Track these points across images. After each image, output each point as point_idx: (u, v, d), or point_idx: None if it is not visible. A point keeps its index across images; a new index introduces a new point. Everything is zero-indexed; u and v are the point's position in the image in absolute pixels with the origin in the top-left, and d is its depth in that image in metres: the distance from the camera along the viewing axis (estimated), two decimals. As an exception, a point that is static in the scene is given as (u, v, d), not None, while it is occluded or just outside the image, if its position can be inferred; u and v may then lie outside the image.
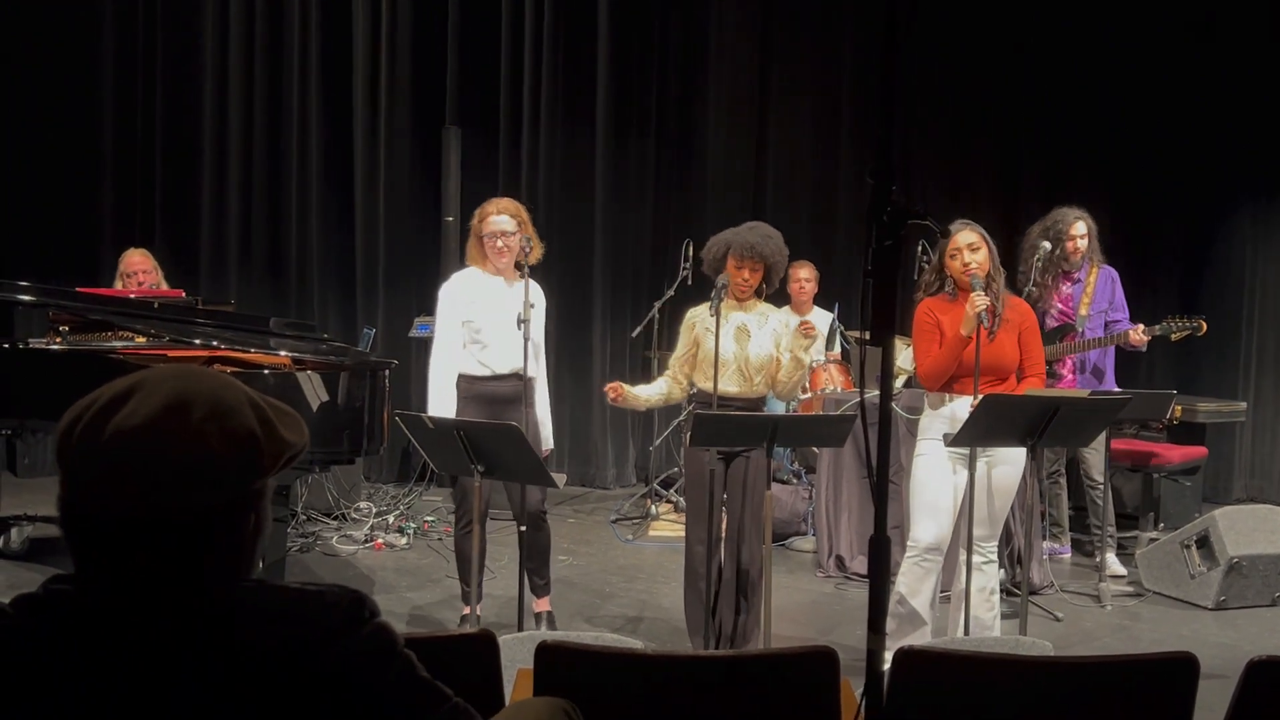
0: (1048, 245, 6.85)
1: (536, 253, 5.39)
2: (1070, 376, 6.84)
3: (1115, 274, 6.98)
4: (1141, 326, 6.62)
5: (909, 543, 4.96)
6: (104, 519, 1.49)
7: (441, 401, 5.36)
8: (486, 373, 5.37)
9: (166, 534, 1.49)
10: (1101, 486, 6.87)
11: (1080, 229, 6.88)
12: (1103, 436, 6.74)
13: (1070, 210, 6.97)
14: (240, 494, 1.55)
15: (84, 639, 1.48)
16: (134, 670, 1.47)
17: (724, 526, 5.11)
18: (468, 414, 5.25)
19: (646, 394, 5.33)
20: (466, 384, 5.41)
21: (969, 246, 4.88)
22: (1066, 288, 6.94)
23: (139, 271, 7.15)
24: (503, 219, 5.35)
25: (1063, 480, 7.26)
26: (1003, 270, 5.05)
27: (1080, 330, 6.80)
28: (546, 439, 5.62)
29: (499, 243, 5.32)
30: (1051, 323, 6.89)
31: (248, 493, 1.56)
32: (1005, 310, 4.95)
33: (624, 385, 5.26)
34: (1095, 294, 6.88)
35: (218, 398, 1.53)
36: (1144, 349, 6.82)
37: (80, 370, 5.44)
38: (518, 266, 5.30)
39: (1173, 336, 6.62)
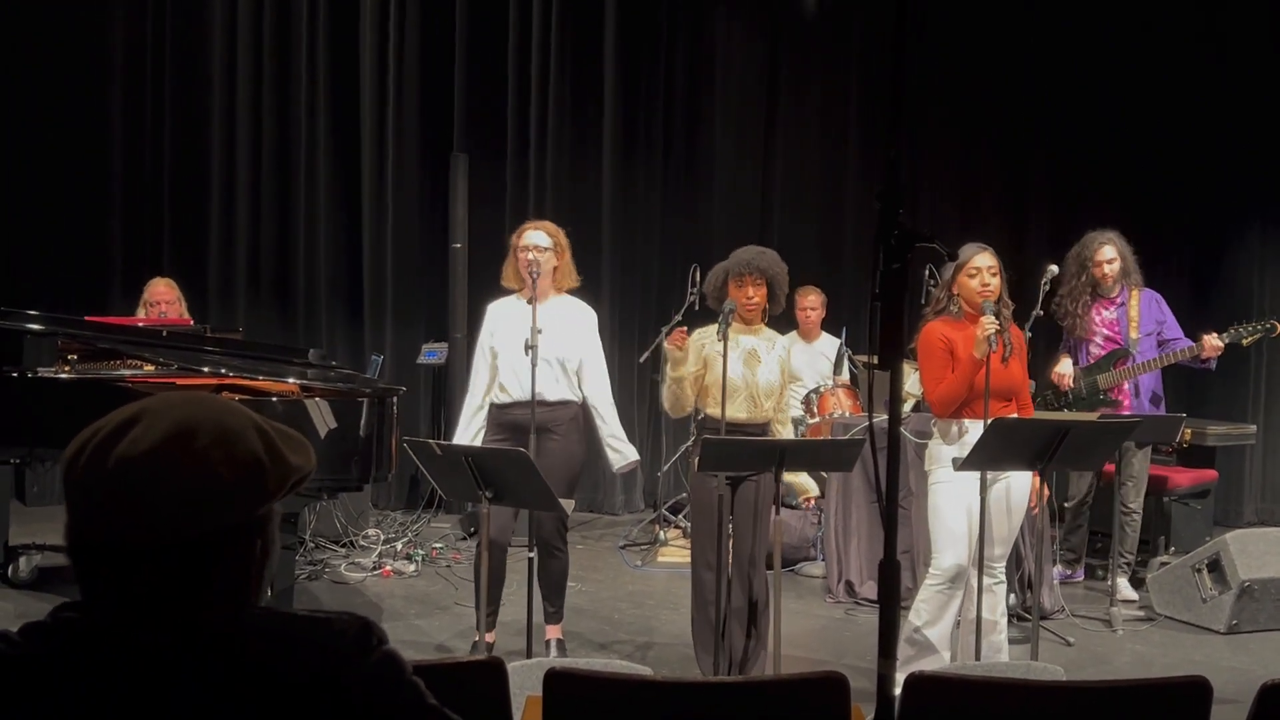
0: (1054, 269, 6.82)
1: (569, 281, 5.47)
2: (1128, 403, 6.76)
3: (1158, 295, 6.90)
4: (1214, 334, 6.51)
5: (931, 570, 4.93)
6: (109, 546, 1.49)
7: (465, 431, 5.46)
8: (505, 400, 5.41)
9: (172, 560, 1.49)
10: (1135, 515, 6.81)
11: (1108, 254, 6.79)
12: (1146, 464, 6.73)
13: (1099, 234, 6.87)
14: (246, 519, 1.54)
15: (91, 667, 1.48)
16: (142, 698, 1.47)
17: (731, 552, 5.10)
18: (497, 443, 5.27)
19: (688, 369, 5.11)
20: (495, 412, 5.48)
21: (988, 269, 4.89)
22: (1109, 312, 6.86)
23: (162, 301, 7.20)
24: (538, 234, 5.42)
25: (1087, 511, 7.18)
26: (1012, 303, 5.05)
27: (1133, 355, 6.74)
28: (628, 452, 5.62)
29: (530, 255, 5.34)
30: (1097, 350, 6.83)
31: (254, 518, 1.55)
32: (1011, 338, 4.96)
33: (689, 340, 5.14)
34: (1141, 316, 6.80)
35: (222, 424, 1.53)
36: (1212, 365, 6.71)
37: (89, 399, 5.44)
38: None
39: (1244, 342, 6.55)
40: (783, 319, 5.33)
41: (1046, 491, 5.17)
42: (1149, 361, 6.69)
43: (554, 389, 5.38)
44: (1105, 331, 6.84)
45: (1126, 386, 6.77)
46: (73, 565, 1.53)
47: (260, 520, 1.57)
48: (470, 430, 5.51)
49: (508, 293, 5.59)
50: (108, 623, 1.49)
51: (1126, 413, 6.61)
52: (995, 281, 4.90)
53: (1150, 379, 6.82)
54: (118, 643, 1.48)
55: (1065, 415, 6.50)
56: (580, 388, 5.52)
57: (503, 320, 5.47)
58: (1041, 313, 6.78)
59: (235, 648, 1.49)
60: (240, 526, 1.54)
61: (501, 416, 5.43)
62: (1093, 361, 6.83)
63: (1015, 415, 4.95)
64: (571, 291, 5.59)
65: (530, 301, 5.18)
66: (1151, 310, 6.84)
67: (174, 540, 1.48)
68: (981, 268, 4.90)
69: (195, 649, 1.48)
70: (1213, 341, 6.49)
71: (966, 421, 4.89)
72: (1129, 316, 6.80)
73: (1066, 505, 7.12)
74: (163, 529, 1.47)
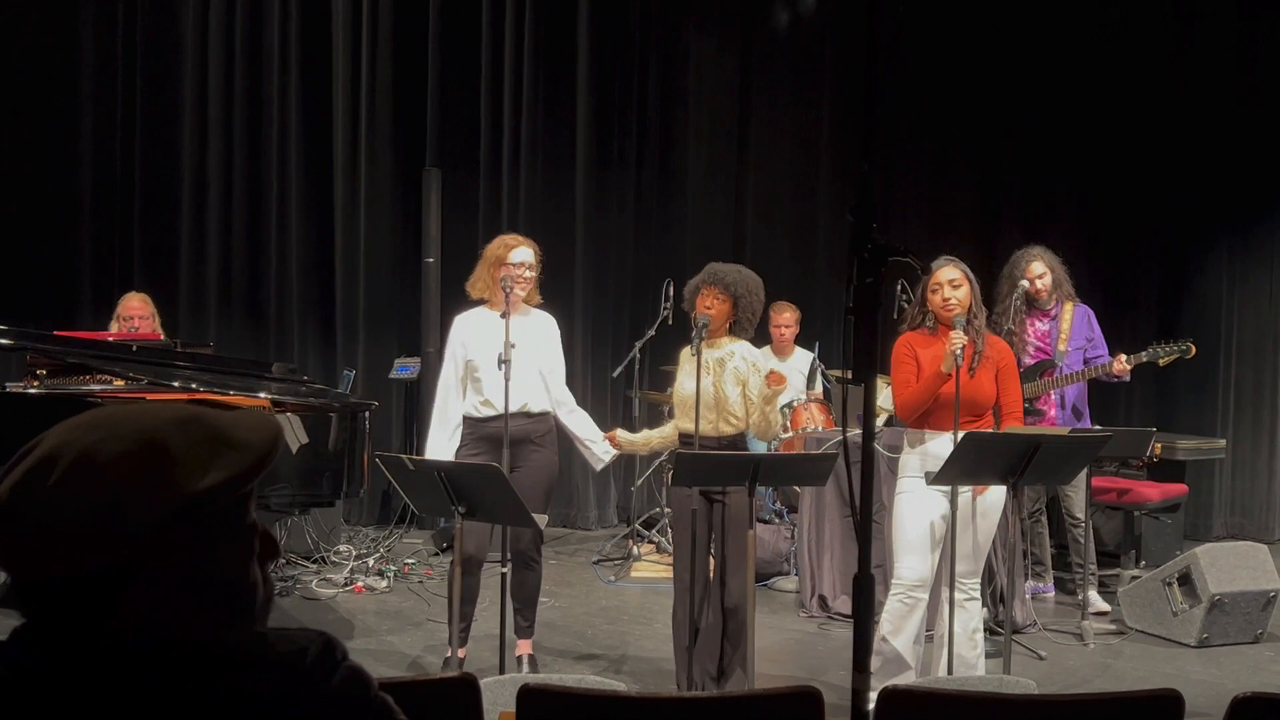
0: (1026, 283, 6.88)
1: (537, 294, 5.47)
2: (1053, 413, 6.83)
3: (1090, 311, 6.98)
4: (1123, 356, 6.59)
5: (893, 580, 4.95)
6: (29, 583, 1.45)
7: (437, 446, 5.41)
8: (488, 412, 5.38)
9: (89, 589, 1.43)
10: (1083, 525, 6.87)
11: (1037, 269, 6.88)
12: (1083, 474, 6.75)
13: (1027, 251, 6.96)
14: (149, 535, 1.42)
15: (44, 689, 1.44)
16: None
17: (712, 567, 5.10)
18: (478, 456, 5.25)
19: (645, 436, 5.34)
20: (471, 425, 5.43)
21: (950, 283, 4.91)
22: (1042, 324, 6.95)
23: (135, 316, 7.14)
24: (527, 252, 5.43)
25: (1044, 519, 7.25)
26: (984, 309, 5.07)
27: (1059, 366, 6.81)
28: (604, 451, 5.60)
29: (526, 272, 5.36)
30: (1028, 360, 6.90)
31: (166, 532, 1.43)
32: (985, 348, 4.97)
33: (621, 431, 5.26)
34: (1072, 331, 6.89)
35: (86, 452, 1.43)
36: (1127, 378, 6.79)
37: (58, 414, 5.37)
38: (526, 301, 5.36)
39: (1160, 362, 6.59)
40: (757, 335, 5.32)
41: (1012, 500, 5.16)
42: (1073, 374, 6.76)
43: (539, 400, 5.42)
44: (1036, 343, 6.93)
45: (1052, 397, 6.84)
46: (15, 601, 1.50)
47: (177, 532, 1.44)
48: (450, 446, 5.44)
49: (474, 303, 5.58)
50: (48, 646, 1.46)
51: (1051, 424, 6.66)
52: (958, 294, 4.90)
53: (1073, 392, 6.87)
54: (65, 666, 1.45)
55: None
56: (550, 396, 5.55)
57: (480, 333, 5.42)
58: (1014, 328, 6.82)
59: (184, 666, 1.45)
60: (154, 542, 1.42)
61: (482, 430, 5.40)
62: (1021, 372, 6.89)
63: (988, 430, 4.97)
64: (542, 303, 5.61)
65: (504, 316, 5.18)
66: (1082, 326, 6.91)
67: (50, 578, 1.42)
68: (943, 282, 4.92)
69: (137, 669, 1.44)
70: (1119, 364, 6.56)
71: (927, 432, 4.92)
72: (1060, 329, 6.88)
73: (1021, 518, 7.15)
74: (24, 569, 1.43)
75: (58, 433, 1.48)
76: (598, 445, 5.59)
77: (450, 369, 5.51)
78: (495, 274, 5.39)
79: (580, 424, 5.63)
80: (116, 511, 1.41)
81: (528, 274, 5.37)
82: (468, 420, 5.45)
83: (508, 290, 5.22)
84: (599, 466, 5.80)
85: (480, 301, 5.53)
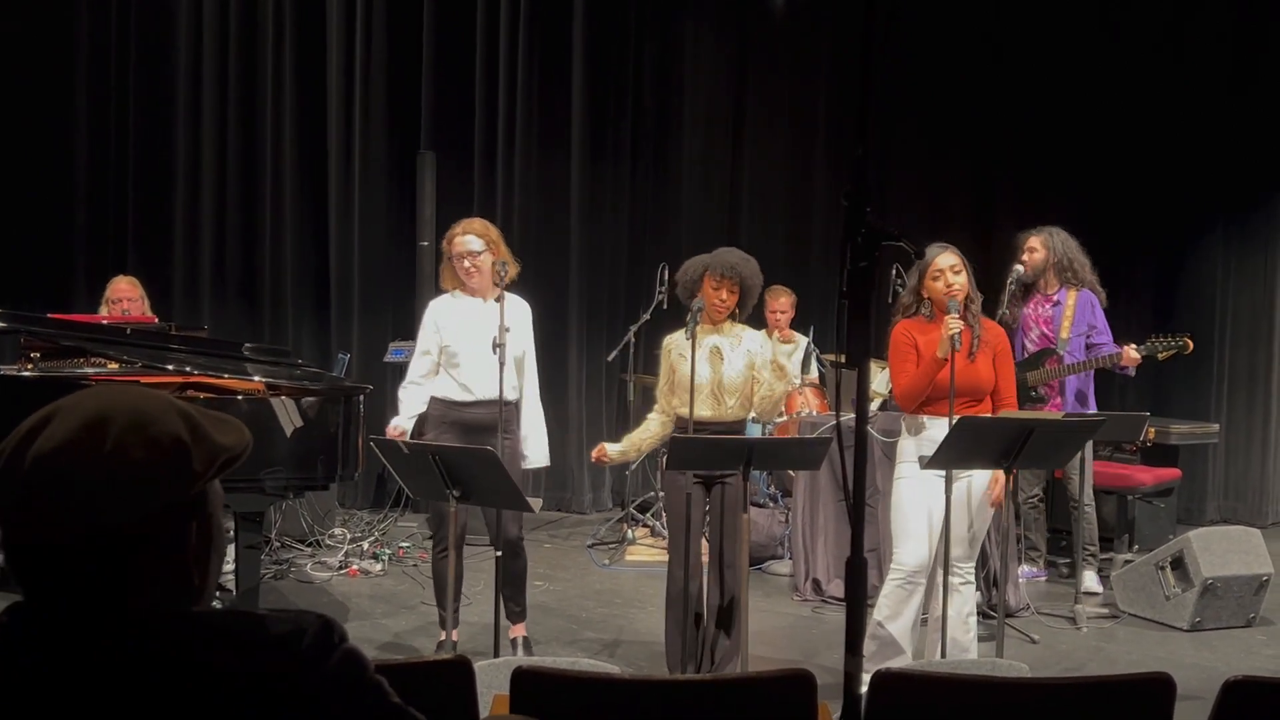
0: (1020, 268, 6.87)
1: (513, 271, 5.39)
2: (1058, 400, 6.82)
3: (1094, 298, 6.97)
4: (1134, 345, 6.60)
5: (893, 566, 4.95)
6: (38, 548, 1.46)
7: (400, 421, 5.44)
8: (466, 398, 5.37)
9: (101, 551, 1.45)
10: (1086, 507, 6.87)
11: (1030, 244, 6.94)
12: (1089, 458, 6.77)
13: (1025, 232, 6.99)
14: (175, 501, 1.50)
15: (30, 667, 1.45)
16: (92, 703, 1.44)
17: (705, 551, 5.10)
18: (444, 440, 5.24)
19: (639, 438, 5.25)
20: (443, 408, 5.41)
21: (951, 269, 4.91)
22: (1045, 309, 6.93)
23: (125, 299, 7.13)
24: (469, 239, 5.39)
25: (1042, 505, 7.25)
26: (980, 295, 5.07)
27: (1061, 354, 6.80)
28: (537, 456, 5.57)
29: (466, 263, 5.36)
30: (1031, 346, 6.89)
31: (185, 500, 1.52)
32: (983, 333, 4.98)
33: (606, 446, 5.22)
34: (1075, 316, 6.87)
35: (137, 409, 1.49)
36: (1132, 372, 6.78)
37: (52, 397, 5.36)
38: (495, 285, 5.32)
39: (1160, 356, 6.60)
40: (752, 320, 5.33)
41: (1008, 484, 5.13)
42: (1077, 364, 6.75)
43: (514, 389, 5.41)
44: (1041, 329, 6.92)
45: (1055, 385, 6.84)
46: (10, 568, 1.50)
47: (193, 502, 1.53)
48: (413, 410, 5.47)
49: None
50: (49, 621, 1.47)
51: (1055, 410, 6.66)
52: (959, 280, 4.92)
53: (1074, 380, 6.87)
54: (58, 641, 1.46)
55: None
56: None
57: (453, 318, 5.43)
58: (1007, 313, 6.82)
59: (191, 651, 1.46)
60: (171, 510, 1.50)
61: (456, 414, 5.39)
62: (1026, 357, 6.89)
63: (986, 414, 4.97)
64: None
65: (499, 299, 5.17)
66: (1085, 313, 6.90)
67: (97, 531, 1.44)
68: (944, 269, 4.93)
69: (138, 644, 1.45)
70: (1130, 353, 6.58)
71: (925, 418, 4.92)
72: (1064, 315, 6.87)
73: (1021, 504, 7.16)
74: (83, 521, 1.44)
75: (84, 399, 1.54)
76: (533, 449, 5.55)
77: (421, 351, 5.50)
78: (451, 266, 5.44)
79: (532, 419, 5.57)
80: (183, 458, 1.49)
81: (467, 264, 5.35)
82: (441, 403, 5.43)
83: (503, 274, 5.21)
84: (524, 465, 5.61)
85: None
